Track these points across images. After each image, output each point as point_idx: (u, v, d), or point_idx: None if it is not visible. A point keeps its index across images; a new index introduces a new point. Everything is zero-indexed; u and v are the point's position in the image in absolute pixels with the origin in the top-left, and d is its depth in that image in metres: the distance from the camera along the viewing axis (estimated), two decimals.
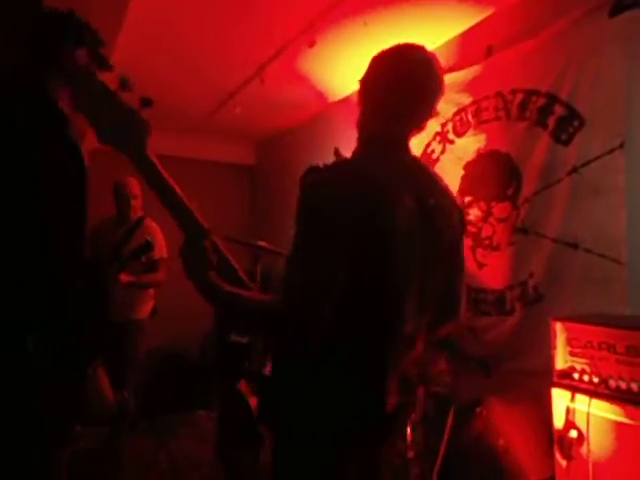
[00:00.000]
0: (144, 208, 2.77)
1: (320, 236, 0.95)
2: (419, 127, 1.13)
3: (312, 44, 2.71)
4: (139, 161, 0.97)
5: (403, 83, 1.05)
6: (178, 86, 3.78)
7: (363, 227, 0.95)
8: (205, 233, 1.03)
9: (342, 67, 3.38)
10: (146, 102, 1.04)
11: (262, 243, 2.48)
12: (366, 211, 0.95)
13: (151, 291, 2.94)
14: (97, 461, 2.53)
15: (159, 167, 0.99)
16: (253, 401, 2.49)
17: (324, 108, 4.06)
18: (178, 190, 1.02)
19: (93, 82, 0.97)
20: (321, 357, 1.01)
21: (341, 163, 1.11)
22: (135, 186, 2.72)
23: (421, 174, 1.12)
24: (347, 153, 1.13)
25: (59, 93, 1.13)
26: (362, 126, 1.12)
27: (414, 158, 1.17)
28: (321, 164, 1.00)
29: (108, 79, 1.07)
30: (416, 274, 1.06)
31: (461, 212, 1.22)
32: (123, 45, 2.90)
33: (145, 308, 2.91)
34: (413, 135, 1.13)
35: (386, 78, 1.07)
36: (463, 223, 1.21)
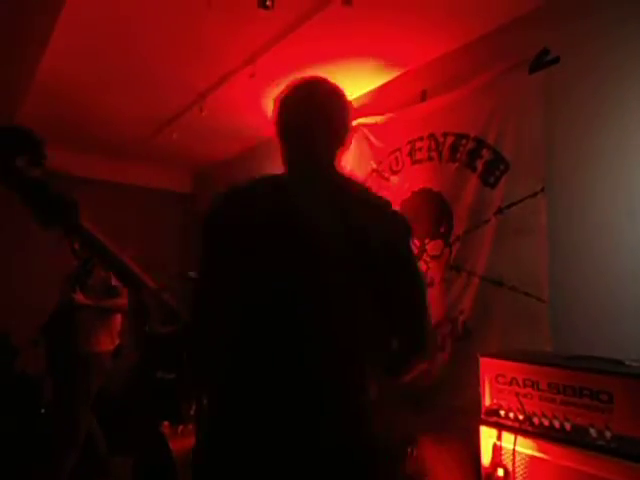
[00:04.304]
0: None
1: (204, 256, 1.07)
2: (336, 144, 1.14)
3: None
4: (74, 231, 1.09)
5: (306, 109, 1.13)
6: (114, 107, 3.64)
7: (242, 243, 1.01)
8: (142, 285, 1.13)
9: None
10: None
11: (192, 274, 2.36)
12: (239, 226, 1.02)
13: (116, 329, 2.87)
14: None
15: (94, 234, 1.09)
16: (175, 445, 2.30)
17: (267, 139, 4.04)
18: (115, 250, 1.11)
19: (28, 180, 1.04)
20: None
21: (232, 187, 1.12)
22: None
23: (342, 194, 1.10)
24: None
25: None
26: (283, 159, 1.16)
27: (340, 180, 1.14)
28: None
29: None
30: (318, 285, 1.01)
31: (402, 238, 1.13)
32: (58, 57, 2.78)
33: (104, 341, 2.78)
34: (336, 153, 1.14)
35: (291, 109, 1.14)
36: (402, 247, 1.12)
